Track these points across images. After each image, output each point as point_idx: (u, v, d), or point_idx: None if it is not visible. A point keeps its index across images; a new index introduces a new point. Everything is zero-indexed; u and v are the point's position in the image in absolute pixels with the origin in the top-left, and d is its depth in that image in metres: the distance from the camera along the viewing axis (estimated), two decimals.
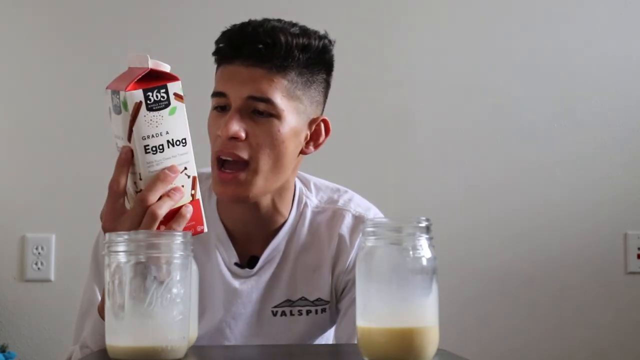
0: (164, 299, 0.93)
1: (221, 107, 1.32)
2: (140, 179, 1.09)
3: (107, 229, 1.10)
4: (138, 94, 1.06)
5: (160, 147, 1.08)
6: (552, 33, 2.45)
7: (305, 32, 1.34)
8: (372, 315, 0.93)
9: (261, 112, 1.29)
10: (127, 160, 1.11)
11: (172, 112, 1.08)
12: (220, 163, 1.31)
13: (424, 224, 0.93)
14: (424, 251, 0.93)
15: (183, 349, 0.96)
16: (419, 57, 2.41)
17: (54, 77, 2.34)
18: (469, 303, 2.34)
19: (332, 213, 1.44)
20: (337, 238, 1.42)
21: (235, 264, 1.39)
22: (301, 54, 1.31)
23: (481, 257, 2.36)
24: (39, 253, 2.28)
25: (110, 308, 0.95)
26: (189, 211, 1.10)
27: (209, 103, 1.43)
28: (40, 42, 2.36)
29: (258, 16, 1.40)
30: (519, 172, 2.40)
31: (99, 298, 1.31)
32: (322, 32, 1.37)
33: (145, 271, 0.93)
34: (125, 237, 0.95)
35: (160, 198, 1.08)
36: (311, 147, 1.39)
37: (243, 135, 1.28)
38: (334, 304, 1.43)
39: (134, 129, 1.07)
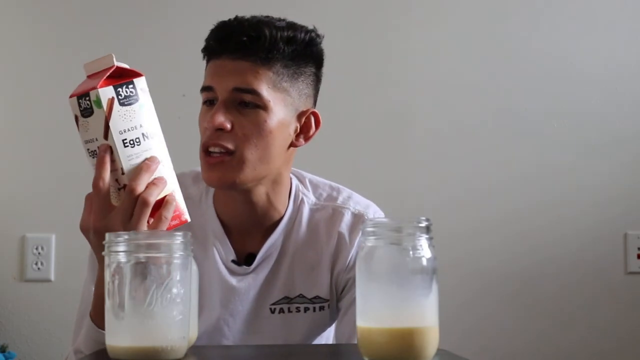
0: (164, 299, 0.93)
1: (209, 101, 1.34)
2: (123, 174, 1.11)
3: (98, 227, 1.14)
4: (109, 91, 1.10)
5: (137, 140, 1.11)
6: (552, 33, 2.45)
7: (291, 25, 1.36)
8: (372, 315, 0.93)
9: (247, 104, 1.31)
10: (106, 158, 1.13)
11: (141, 107, 1.12)
12: (207, 154, 1.33)
13: (424, 224, 0.93)
14: (424, 251, 0.93)
15: (183, 349, 0.96)
16: (419, 57, 2.41)
17: (54, 77, 2.34)
18: (469, 303, 2.34)
19: (331, 211, 1.44)
20: (337, 236, 1.42)
21: (233, 261, 1.39)
22: (286, 46, 1.33)
23: (481, 257, 2.36)
24: (39, 253, 2.28)
25: (110, 308, 0.95)
26: (174, 198, 1.14)
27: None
28: (40, 42, 2.36)
29: (260, 13, 1.40)
30: (519, 172, 2.40)
31: None
32: (310, 27, 1.39)
33: (145, 271, 0.93)
34: (125, 237, 0.95)
35: (146, 188, 1.12)
36: (301, 140, 1.40)
37: (229, 126, 1.30)
38: (334, 302, 1.43)
39: (110, 124, 1.09)
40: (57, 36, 2.36)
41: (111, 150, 1.11)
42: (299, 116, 1.38)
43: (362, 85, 2.38)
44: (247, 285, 1.39)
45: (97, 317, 1.19)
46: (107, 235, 0.97)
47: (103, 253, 0.97)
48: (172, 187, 1.15)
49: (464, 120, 2.40)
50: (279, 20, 1.37)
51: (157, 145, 1.14)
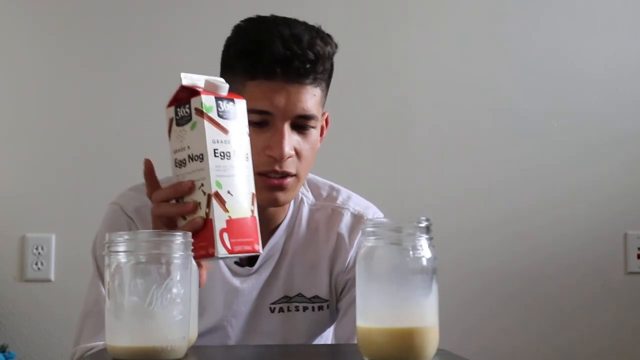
0: (164, 299, 0.93)
1: (258, 123, 1.29)
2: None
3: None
4: (170, 111, 1.11)
5: (183, 161, 1.10)
6: (552, 33, 2.45)
7: (325, 38, 1.34)
8: (372, 315, 0.93)
9: (306, 127, 1.32)
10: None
11: (192, 127, 1.09)
12: (266, 176, 1.30)
13: (424, 224, 0.93)
14: (424, 251, 0.93)
15: (183, 349, 0.96)
16: (419, 56, 2.41)
17: (54, 77, 2.34)
18: (469, 303, 2.34)
19: (330, 211, 1.45)
20: (336, 237, 1.43)
21: (235, 262, 1.39)
22: (328, 62, 1.33)
23: (481, 257, 2.37)
24: (39, 253, 2.28)
25: (110, 308, 0.95)
26: (196, 223, 1.07)
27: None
28: (40, 43, 2.36)
29: (259, 12, 1.40)
30: (519, 172, 2.40)
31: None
32: (326, 31, 1.37)
33: (145, 271, 0.93)
34: (125, 237, 0.95)
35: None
36: (319, 142, 1.41)
37: (294, 153, 1.31)
38: (334, 303, 1.43)
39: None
40: (58, 36, 2.36)
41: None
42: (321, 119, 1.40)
43: (362, 85, 2.38)
44: (250, 286, 1.40)
45: None
46: (107, 235, 0.97)
47: (103, 253, 0.97)
48: (202, 215, 1.07)
49: (464, 120, 2.40)
50: (316, 31, 1.34)
51: (199, 169, 1.08)
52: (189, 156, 1.09)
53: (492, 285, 2.36)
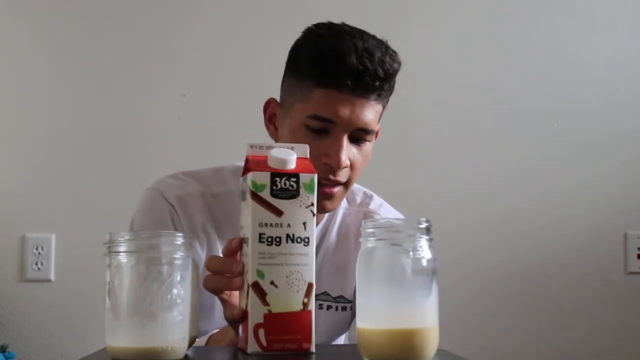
0: (164, 300, 0.93)
1: (318, 131, 1.31)
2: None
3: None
4: (241, 183, 1.04)
5: (245, 240, 1.02)
6: (552, 33, 2.45)
7: (393, 55, 1.38)
8: (372, 316, 0.93)
9: (364, 141, 1.35)
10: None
11: (246, 207, 1.01)
12: (321, 184, 1.29)
13: (424, 225, 0.93)
14: (424, 252, 0.92)
15: (183, 350, 0.96)
16: (419, 57, 2.41)
17: (54, 77, 2.34)
18: (469, 303, 2.34)
19: (362, 215, 1.48)
20: None
21: None
22: (394, 79, 1.37)
23: (481, 257, 2.37)
24: (39, 253, 2.28)
25: (110, 308, 0.95)
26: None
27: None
28: (40, 42, 2.36)
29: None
30: (519, 172, 2.40)
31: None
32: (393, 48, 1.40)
33: (146, 271, 0.93)
34: (126, 237, 0.95)
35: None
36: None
37: (349, 164, 1.33)
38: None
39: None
40: (58, 36, 2.36)
41: (247, 243, 1.00)
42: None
43: None
44: None
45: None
46: (107, 235, 0.97)
47: (103, 254, 0.97)
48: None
49: (464, 120, 2.40)
50: (385, 47, 1.37)
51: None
52: (243, 237, 1.02)
53: (492, 285, 2.36)
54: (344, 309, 1.44)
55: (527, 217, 2.39)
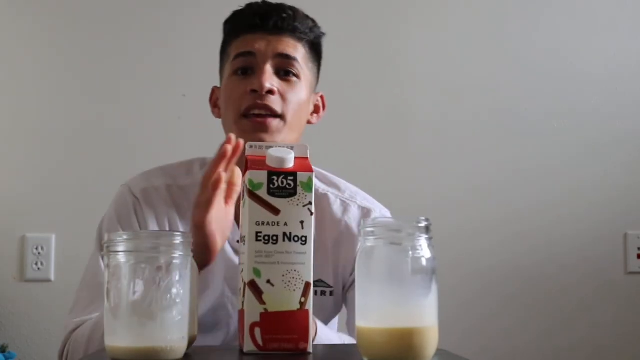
0: (163, 299, 0.93)
1: (243, 70, 1.39)
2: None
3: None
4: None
5: (243, 239, 1.03)
6: (552, 33, 2.45)
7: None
8: (371, 315, 0.93)
9: (288, 72, 1.39)
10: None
11: (244, 205, 1.02)
12: (250, 116, 1.37)
13: (423, 224, 0.93)
14: (424, 251, 0.92)
15: (182, 349, 0.96)
16: (419, 57, 2.41)
17: (53, 77, 2.34)
18: (469, 303, 2.34)
19: (339, 202, 1.49)
20: (342, 224, 1.45)
21: (238, 241, 1.40)
22: (310, 31, 1.43)
23: (481, 257, 2.36)
24: (39, 253, 2.28)
25: (109, 308, 0.95)
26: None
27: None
28: (40, 43, 2.36)
29: None
30: (519, 172, 2.40)
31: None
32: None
33: (145, 271, 0.93)
34: (125, 237, 0.95)
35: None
36: (314, 118, 1.49)
37: (276, 90, 1.37)
38: (339, 292, 1.44)
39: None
40: (58, 36, 2.36)
41: (244, 241, 1.00)
42: (314, 96, 1.47)
43: (362, 85, 2.38)
44: None
45: None
46: (106, 235, 0.97)
47: (102, 253, 0.97)
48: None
49: (464, 120, 2.40)
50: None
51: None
52: (241, 236, 1.03)
53: (492, 285, 2.36)
54: (323, 293, 1.43)
55: (527, 217, 2.39)
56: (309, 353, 0.99)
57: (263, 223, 0.98)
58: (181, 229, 1.42)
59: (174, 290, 0.94)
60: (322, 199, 1.48)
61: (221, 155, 1.19)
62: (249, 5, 1.44)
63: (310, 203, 0.99)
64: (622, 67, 2.45)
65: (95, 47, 2.35)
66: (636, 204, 2.41)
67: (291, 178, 0.98)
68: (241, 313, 1.01)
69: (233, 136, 1.21)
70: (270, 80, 1.36)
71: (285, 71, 1.39)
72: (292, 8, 1.43)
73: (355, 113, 2.36)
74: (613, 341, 2.37)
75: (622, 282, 2.39)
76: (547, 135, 2.41)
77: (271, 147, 1.02)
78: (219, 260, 1.40)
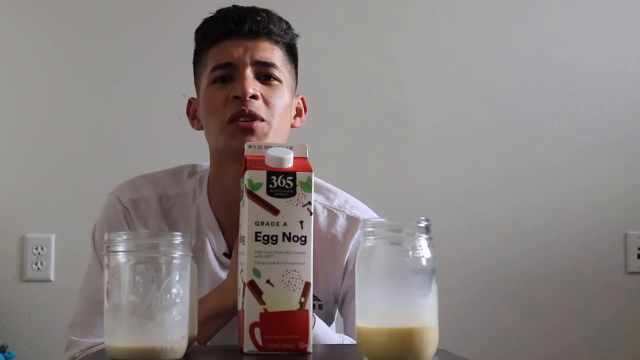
0: (163, 299, 0.93)
1: (222, 79, 1.37)
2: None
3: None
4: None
5: (242, 239, 1.03)
6: (552, 33, 2.45)
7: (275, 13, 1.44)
8: (371, 315, 0.93)
9: (268, 76, 1.37)
10: None
11: (243, 205, 1.02)
12: (236, 122, 1.34)
13: (423, 224, 0.93)
14: (424, 251, 0.92)
15: (182, 349, 0.96)
16: (418, 57, 2.41)
17: (53, 77, 2.34)
18: (469, 303, 2.34)
19: (326, 211, 1.45)
20: (328, 237, 1.42)
21: (224, 254, 1.39)
22: (285, 34, 1.41)
23: (481, 257, 2.36)
24: (39, 253, 2.28)
25: (109, 308, 0.95)
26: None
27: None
28: (40, 43, 2.36)
29: None
30: (519, 172, 2.40)
31: None
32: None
33: (145, 271, 0.93)
34: (125, 237, 0.95)
35: None
36: (297, 122, 1.47)
37: (259, 95, 1.34)
38: (330, 306, 1.43)
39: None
40: (58, 36, 2.36)
41: (243, 241, 1.01)
42: (295, 99, 1.45)
43: (362, 86, 2.37)
44: None
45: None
46: (106, 235, 0.97)
47: (102, 253, 0.97)
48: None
49: (464, 120, 2.40)
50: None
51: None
52: (240, 236, 1.03)
53: (492, 286, 2.36)
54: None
55: (527, 217, 2.39)
56: (309, 353, 0.99)
57: (262, 223, 0.98)
58: None
59: (174, 290, 0.94)
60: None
61: None
62: (220, 12, 1.41)
63: (309, 203, 0.99)
64: (622, 67, 2.45)
65: (96, 47, 2.35)
66: (636, 204, 2.41)
67: (290, 178, 0.98)
68: (241, 313, 1.01)
69: None
70: (252, 85, 1.34)
71: (265, 75, 1.37)
72: (265, 10, 1.41)
73: (355, 113, 2.36)
74: (613, 341, 2.37)
75: (622, 282, 2.39)
76: (547, 135, 2.41)
77: (270, 147, 1.02)
78: (204, 273, 1.39)
